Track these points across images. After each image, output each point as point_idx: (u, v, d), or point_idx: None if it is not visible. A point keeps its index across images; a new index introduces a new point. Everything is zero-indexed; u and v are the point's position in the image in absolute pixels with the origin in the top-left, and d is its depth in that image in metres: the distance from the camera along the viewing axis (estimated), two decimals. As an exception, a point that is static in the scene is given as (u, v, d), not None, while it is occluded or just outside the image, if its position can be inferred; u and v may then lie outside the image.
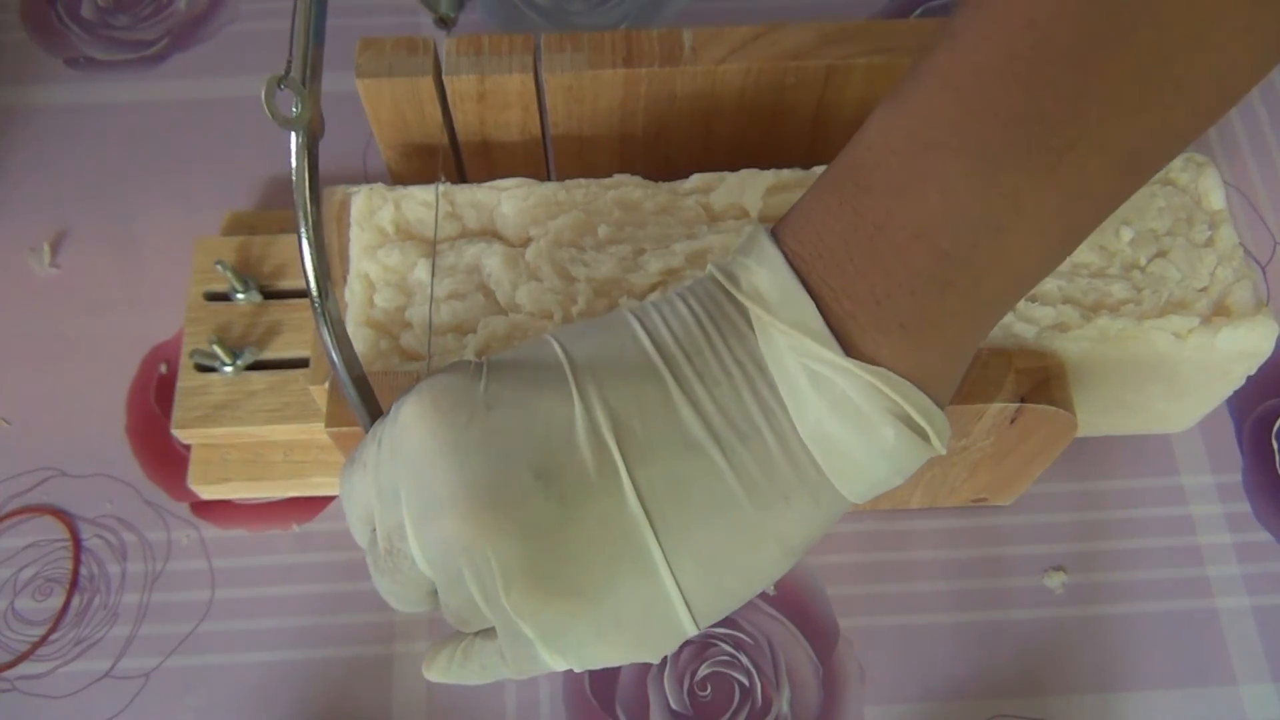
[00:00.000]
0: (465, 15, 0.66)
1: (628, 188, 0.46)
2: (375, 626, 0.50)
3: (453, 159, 0.51)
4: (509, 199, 0.45)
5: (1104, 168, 0.27)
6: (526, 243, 0.45)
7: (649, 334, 0.30)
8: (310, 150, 0.33)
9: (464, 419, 0.30)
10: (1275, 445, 0.54)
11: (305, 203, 0.32)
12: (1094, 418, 0.48)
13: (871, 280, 0.28)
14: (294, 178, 0.33)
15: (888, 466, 0.29)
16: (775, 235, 0.30)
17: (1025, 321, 0.42)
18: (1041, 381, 0.41)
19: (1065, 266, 0.43)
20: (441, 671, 0.35)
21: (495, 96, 0.48)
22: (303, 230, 0.33)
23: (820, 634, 0.50)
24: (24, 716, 0.48)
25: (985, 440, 0.43)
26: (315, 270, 0.33)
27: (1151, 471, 0.53)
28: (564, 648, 0.30)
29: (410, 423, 0.30)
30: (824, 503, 0.30)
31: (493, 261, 0.44)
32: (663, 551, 0.29)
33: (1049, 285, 0.43)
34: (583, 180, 0.46)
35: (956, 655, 0.49)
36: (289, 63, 0.32)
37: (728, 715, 0.48)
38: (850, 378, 0.28)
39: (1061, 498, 0.52)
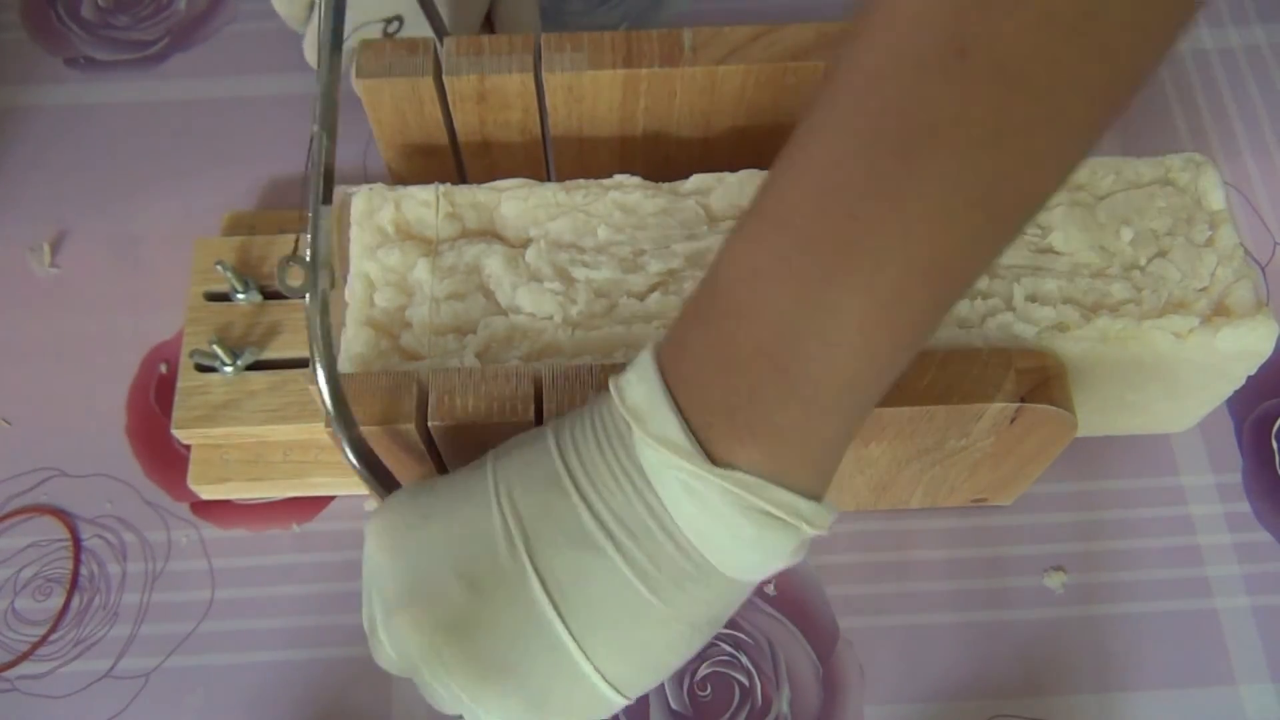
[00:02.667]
0: (465, 15, 0.66)
1: (627, 189, 0.46)
2: (375, 626, 0.50)
3: (452, 159, 0.51)
4: (509, 200, 0.45)
5: (915, 279, 0.30)
6: (526, 244, 0.45)
7: (559, 449, 0.34)
8: (323, 313, 0.38)
9: (404, 532, 0.35)
10: (1275, 445, 0.54)
11: (322, 351, 0.38)
12: (1094, 418, 0.48)
13: (723, 393, 0.31)
14: (308, 329, 0.38)
15: (759, 555, 0.33)
16: (657, 354, 0.33)
17: (1026, 322, 0.42)
18: (1041, 381, 0.41)
19: (1065, 267, 0.43)
20: None
21: (495, 96, 0.48)
22: (320, 370, 0.38)
23: (820, 634, 0.50)
24: (24, 716, 0.48)
25: (985, 440, 0.43)
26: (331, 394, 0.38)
27: (1151, 471, 0.53)
28: None
29: (370, 537, 0.36)
30: (716, 586, 0.33)
31: (493, 262, 0.44)
32: (570, 634, 0.33)
33: (1049, 285, 0.43)
34: (582, 181, 0.46)
35: (956, 655, 0.49)
36: (297, 239, 0.36)
37: (728, 715, 0.48)
38: (708, 483, 0.31)
39: (1061, 498, 0.52)
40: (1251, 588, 0.51)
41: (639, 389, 0.33)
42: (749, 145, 0.50)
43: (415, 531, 0.35)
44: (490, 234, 0.45)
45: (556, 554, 0.33)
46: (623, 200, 0.45)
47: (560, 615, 0.33)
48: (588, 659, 0.33)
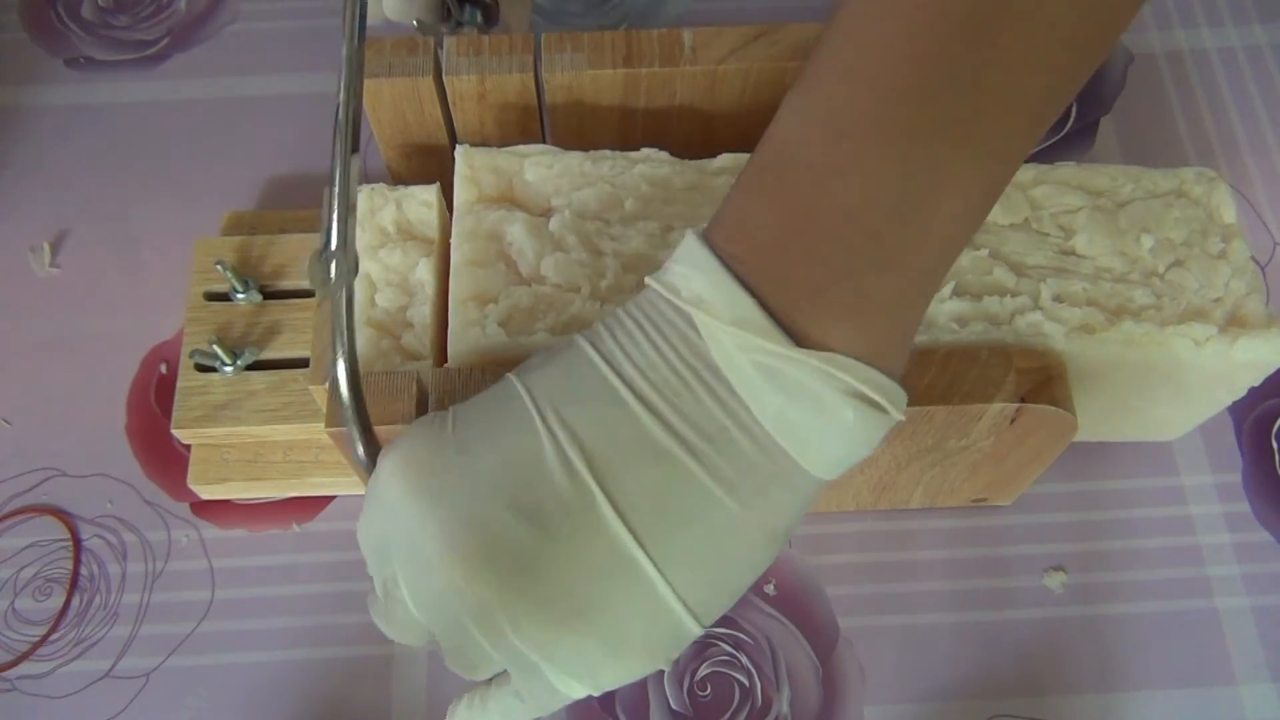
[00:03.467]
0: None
1: (655, 162, 0.45)
2: (375, 626, 0.50)
3: (452, 159, 0.51)
4: (532, 166, 0.44)
5: (1012, 126, 0.28)
6: (546, 212, 0.44)
7: (604, 358, 0.31)
8: (349, 304, 0.34)
9: (438, 469, 0.31)
10: (1275, 445, 0.54)
11: (346, 343, 0.34)
12: (1096, 422, 0.48)
13: (809, 269, 0.29)
14: (333, 324, 0.34)
15: (852, 443, 0.30)
16: (707, 240, 0.31)
17: (1054, 321, 0.42)
18: (1041, 381, 0.41)
19: (1088, 270, 0.43)
20: None
21: (495, 96, 0.48)
22: (341, 362, 0.34)
23: (820, 634, 0.50)
24: (24, 716, 0.48)
25: (985, 440, 0.43)
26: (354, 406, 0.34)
27: (1151, 471, 0.53)
28: (579, 673, 0.31)
29: (389, 480, 0.31)
30: (798, 486, 0.31)
31: (515, 229, 0.42)
32: (651, 560, 0.30)
33: (1074, 286, 0.43)
34: (608, 152, 0.45)
35: (956, 655, 0.49)
36: (327, 233, 0.33)
37: (728, 715, 0.48)
38: (802, 366, 0.29)
39: (1061, 498, 0.52)
40: (1251, 588, 0.51)
41: (700, 278, 0.30)
42: (749, 145, 0.50)
43: (453, 467, 0.31)
44: (509, 200, 0.44)
45: (626, 472, 0.30)
46: (651, 174, 0.44)
47: (639, 541, 0.29)
48: (670, 586, 0.30)
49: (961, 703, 0.48)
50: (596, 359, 0.31)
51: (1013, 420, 0.42)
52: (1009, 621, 0.50)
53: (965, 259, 0.43)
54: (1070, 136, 0.62)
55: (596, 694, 0.31)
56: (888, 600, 0.50)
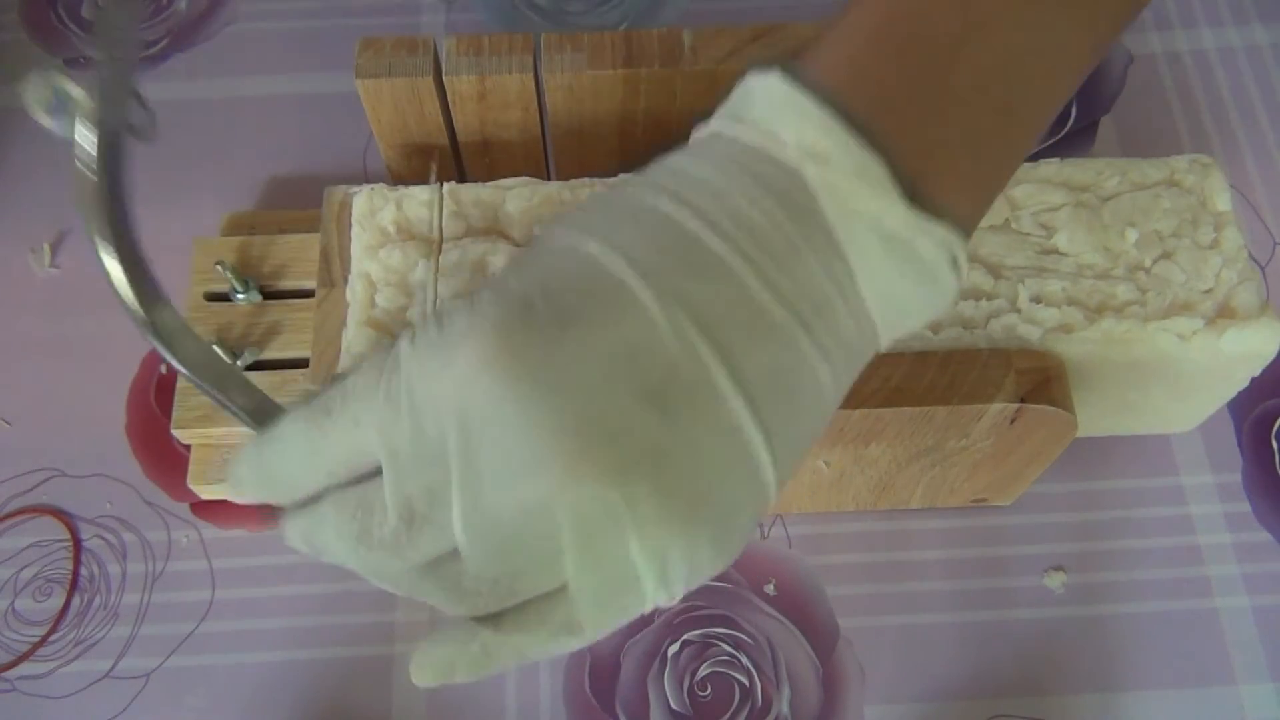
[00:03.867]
0: (465, 15, 0.66)
1: None
2: (375, 626, 0.50)
3: (452, 159, 0.51)
4: (514, 198, 0.45)
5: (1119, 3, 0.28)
6: (530, 241, 0.45)
7: (704, 220, 0.27)
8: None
9: (539, 353, 0.26)
10: (1275, 445, 0.54)
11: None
12: (1097, 418, 0.48)
13: (940, 133, 0.27)
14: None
15: (923, 317, 0.29)
16: (809, 86, 0.27)
17: (1030, 323, 0.42)
18: (1041, 382, 0.41)
19: (1069, 268, 0.43)
20: (445, 672, 0.31)
21: (495, 96, 0.48)
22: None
23: (820, 634, 0.50)
24: (24, 717, 0.48)
25: (985, 440, 0.43)
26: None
27: (1151, 471, 0.53)
28: (683, 576, 0.27)
29: (477, 369, 0.26)
30: (866, 358, 0.29)
31: (499, 260, 0.44)
32: (768, 448, 0.27)
33: (1053, 286, 0.43)
34: (587, 180, 0.46)
35: (956, 655, 0.49)
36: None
37: (728, 715, 0.48)
38: (928, 237, 0.27)
39: (1061, 498, 0.52)
40: (1251, 588, 0.51)
41: (811, 129, 0.27)
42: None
43: (557, 347, 0.26)
44: (495, 232, 0.45)
45: (745, 348, 0.26)
46: None
47: (760, 425, 0.26)
48: (775, 470, 0.27)
49: (961, 703, 0.48)
50: (695, 224, 0.27)
51: (1013, 420, 0.42)
52: (1009, 621, 0.50)
53: None
54: (1070, 136, 0.62)
55: (670, 603, 0.28)
56: (888, 600, 0.50)
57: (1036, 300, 0.42)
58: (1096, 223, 0.44)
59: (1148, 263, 0.43)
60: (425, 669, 0.31)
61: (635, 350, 0.26)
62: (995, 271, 0.43)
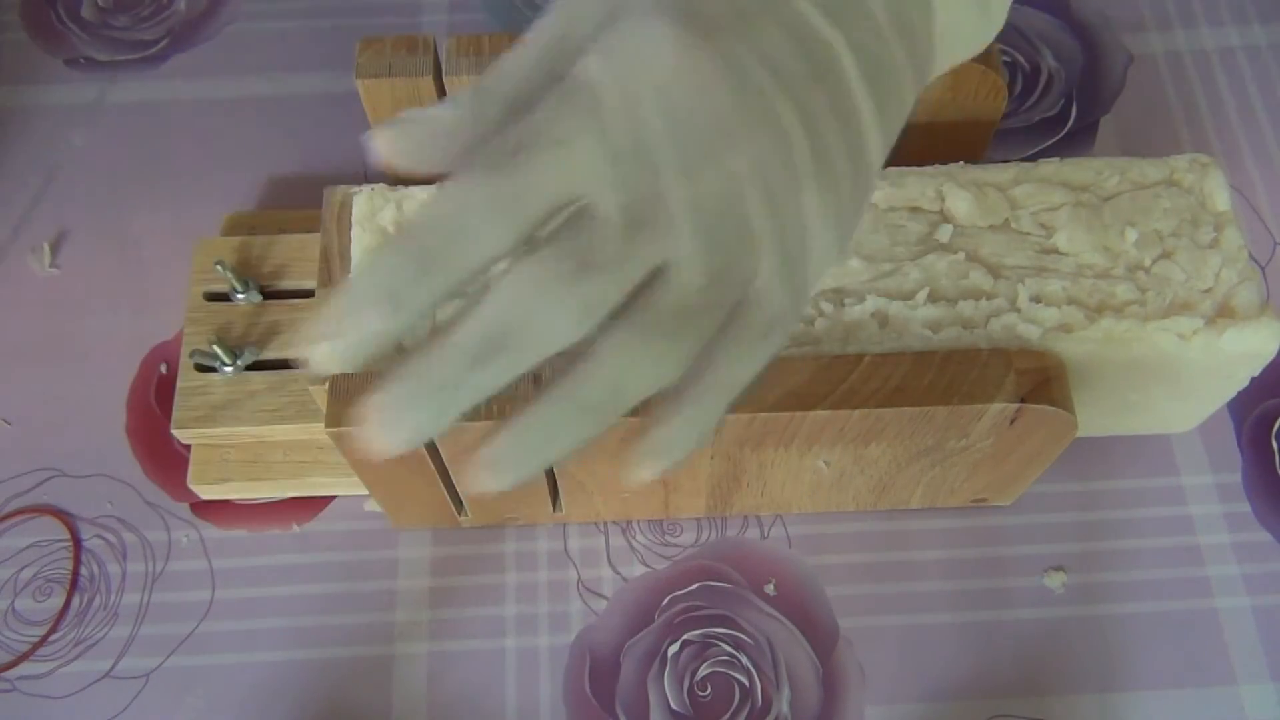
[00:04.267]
0: (465, 15, 0.66)
1: None
2: (375, 626, 0.50)
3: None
4: None
5: None
6: None
7: None
8: None
9: (725, 36, 0.29)
10: (1275, 445, 0.54)
11: None
12: (1097, 418, 0.48)
13: None
14: None
15: (983, 44, 0.36)
16: None
17: (1029, 323, 0.42)
18: (1041, 382, 0.41)
19: (1069, 268, 0.43)
20: (668, 450, 0.30)
21: (495, 97, 0.48)
22: None
23: (820, 634, 0.50)
24: (25, 717, 0.48)
25: (985, 441, 0.43)
26: None
27: (1151, 471, 0.53)
28: (847, 236, 0.31)
29: (679, 52, 0.28)
30: (926, 82, 0.33)
31: None
32: (880, 134, 0.31)
33: (1053, 286, 0.43)
34: None
35: (956, 655, 0.49)
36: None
37: (728, 715, 0.48)
38: None
39: (1061, 498, 0.52)
40: (1251, 588, 0.51)
41: None
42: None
43: (736, 31, 0.29)
44: None
45: (867, 50, 0.31)
46: None
47: (877, 116, 0.31)
48: (879, 156, 0.31)
49: (961, 703, 0.48)
50: None
51: (1012, 421, 0.42)
52: (1009, 621, 0.50)
53: (941, 263, 0.43)
54: (1070, 136, 0.62)
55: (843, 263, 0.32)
56: (888, 600, 0.50)
57: (1036, 300, 0.42)
58: (1096, 222, 0.44)
59: (1147, 262, 0.43)
60: (648, 460, 0.30)
61: (799, 36, 0.29)
62: (995, 271, 0.43)
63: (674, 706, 0.48)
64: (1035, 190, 0.45)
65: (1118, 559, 0.51)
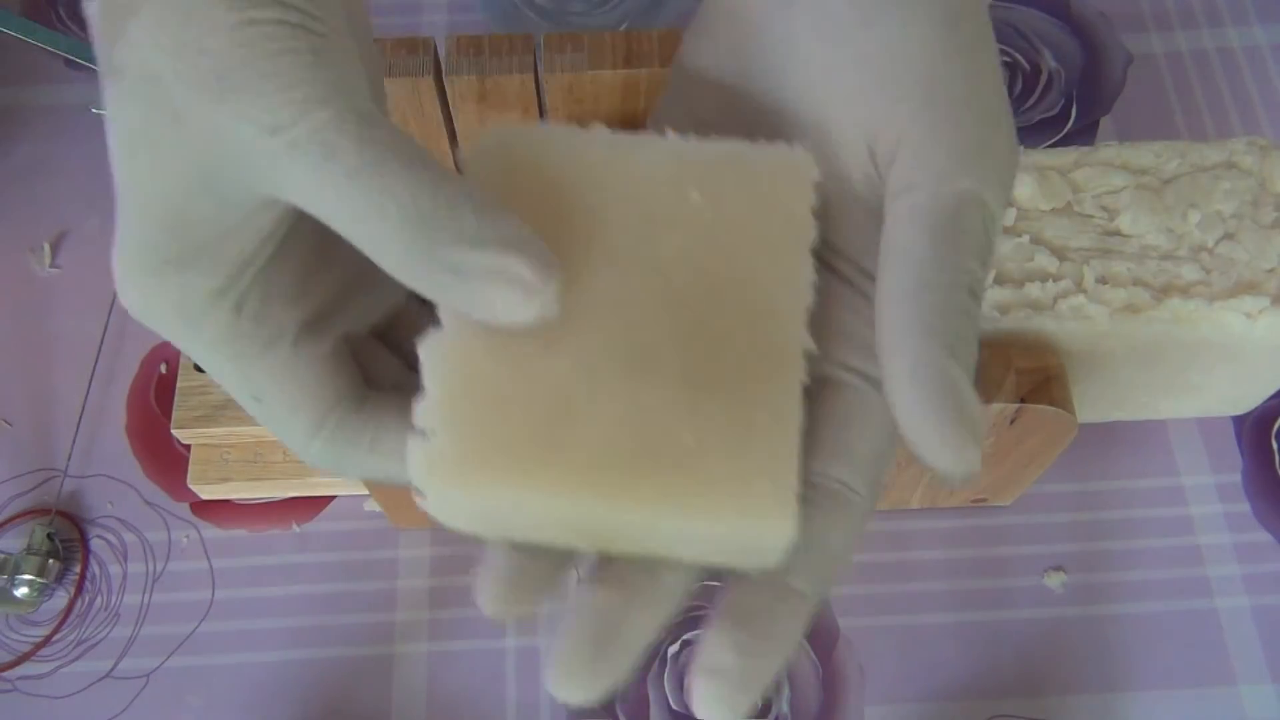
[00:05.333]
0: (465, 15, 0.66)
1: None
2: (375, 626, 0.50)
3: (453, 159, 0.51)
4: None
5: None
6: None
7: None
8: None
9: None
10: (1275, 445, 0.54)
11: None
12: (1160, 401, 0.48)
13: None
14: None
15: None
16: None
17: (1098, 303, 0.42)
18: (1041, 382, 0.41)
19: (1133, 249, 0.43)
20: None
21: (495, 96, 0.48)
22: None
23: (820, 634, 0.50)
24: (25, 717, 0.48)
25: (985, 441, 0.43)
26: None
27: (1151, 471, 0.53)
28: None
29: None
30: None
31: None
32: None
33: (1118, 267, 0.43)
34: None
35: (956, 655, 0.49)
36: None
37: (728, 715, 0.48)
38: None
39: (1061, 498, 0.52)
40: (1251, 588, 0.51)
41: None
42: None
43: None
44: None
45: None
46: None
47: None
48: None
49: (961, 703, 0.48)
50: None
51: (1012, 421, 0.42)
52: (1009, 621, 0.50)
53: (1006, 246, 0.43)
54: (1070, 136, 0.62)
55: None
56: (888, 600, 0.50)
57: (1102, 281, 0.43)
58: (1158, 204, 0.44)
59: (1210, 243, 0.44)
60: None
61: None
62: (1060, 254, 0.43)
63: (674, 706, 0.48)
64: (1096, 174, 0.45)
65: (1118, 559, 0.51)
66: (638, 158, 0.27)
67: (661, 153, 0.27)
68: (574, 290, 0.25)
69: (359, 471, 0.27)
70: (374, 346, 0.29)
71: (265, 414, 0.27)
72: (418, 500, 0.25)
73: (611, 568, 0.27)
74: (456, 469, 0.24)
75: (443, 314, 0.25)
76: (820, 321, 0.26)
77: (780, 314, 0.26)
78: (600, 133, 0.28)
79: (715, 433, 0.25)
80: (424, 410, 0.25)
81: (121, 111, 0.24)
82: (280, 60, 0.23)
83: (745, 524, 0.24)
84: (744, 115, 0.30)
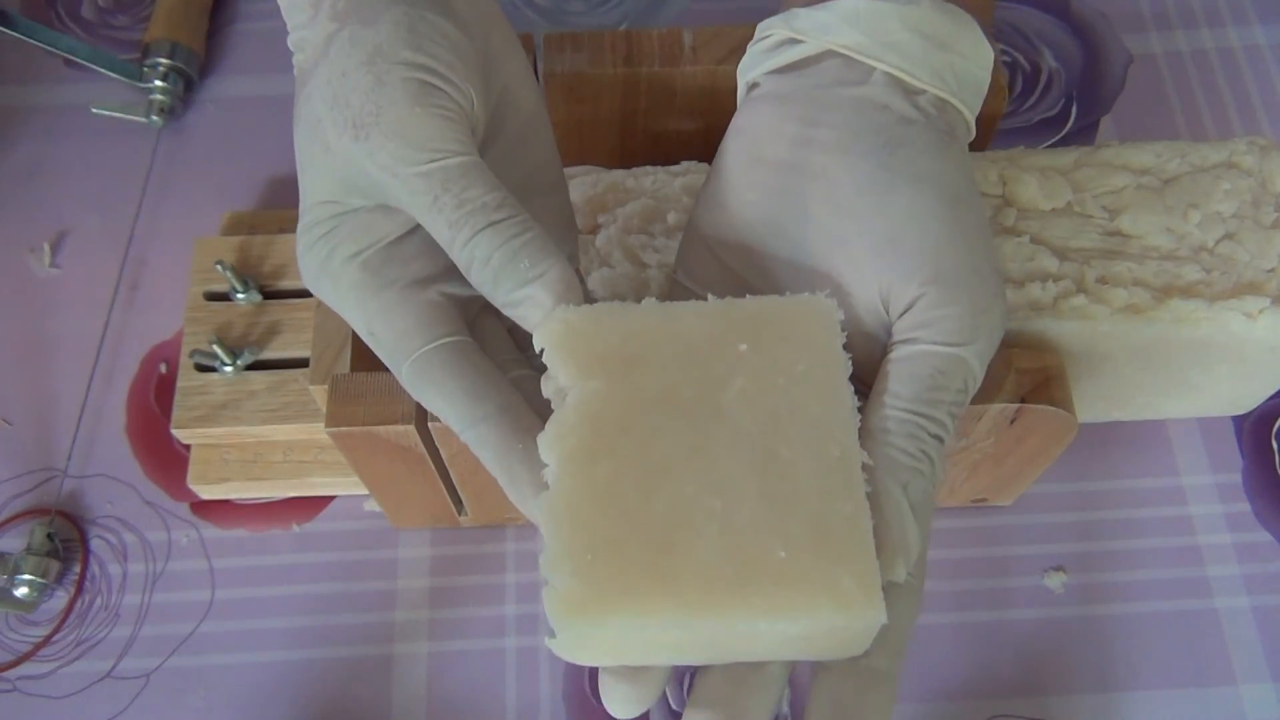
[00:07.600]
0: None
1: (695, 175, 0.46)
2: (375, 626, 0.50)
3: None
4: (577, 186, 0.46)
5: None
6: (594, 230, 0.45)
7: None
8: None
9: None
10: (1275, 445, 0.54)
11: None
12: (1162, 401, 0.48)
13: None
14: None
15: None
16: None
17: (1100, 303, 0.42)
18: (1041, 382, 0.41)
19: (1135, 249, 0.43)
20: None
21: (495, 96, 0.48)
22: None
23: (820, 634, 0.50)
24: (25, 717, 0.48)
25: (985, 441, 0.43)
26: None
27: (1151, 471, 0.53)
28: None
29: None
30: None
31: None
32: None
33: (1119, 267, 0.43)
34: (650, 168, 0.47)
35: (956, 655, 0.49)
36: None
37: (728, 715, 0.48)
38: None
39: (1061, 498, 0.52)
40: (1251, 588, 0.51)
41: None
42: (749, 145, 0.50)
43: None
44: None
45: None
46: (691, 186, 0.46)
47: None
48: None
49: (961, 703, 0.48)
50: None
51: (1012, 421, 0.42)
52: (1009, 621, 0.50)
53: (1007, 246, 0.43)
54: (1070, 136, 0.62)
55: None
56: (888, 600, 0.50)
57: (1103, 281, 0.43)
58: (1159, 204, 0.44)
59: (1211, 243, 0.44)
60: None
61: None
62: (1061, 254, 0.43)
63: (674, 706, 0.48)
64: (1096, 174, 0.45)
65: (1118, 559, 0.51)
66: (687, 321, 0.32)
67: (707, 315, 0.32)
68: (656, 439, 0.30)
69: (433, 401, 0.34)
70: (494, 325, 0.37)
71: (377, 344, 0.35)
72: (547, 641, 0.29)
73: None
74: (582, 607, 0.28)
75: (548, 476, 0.30)
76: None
77: (835, 435, 0.31)
78: (650, 304, 0.33)
79: (801, 544, 0.29)
80: (547, 561, 0.29)
81: (298, 139, 0.35)
82: (403, 116, 0.32)
83: (841, 618, 0.29)
84: (767, 265, 0.36)
